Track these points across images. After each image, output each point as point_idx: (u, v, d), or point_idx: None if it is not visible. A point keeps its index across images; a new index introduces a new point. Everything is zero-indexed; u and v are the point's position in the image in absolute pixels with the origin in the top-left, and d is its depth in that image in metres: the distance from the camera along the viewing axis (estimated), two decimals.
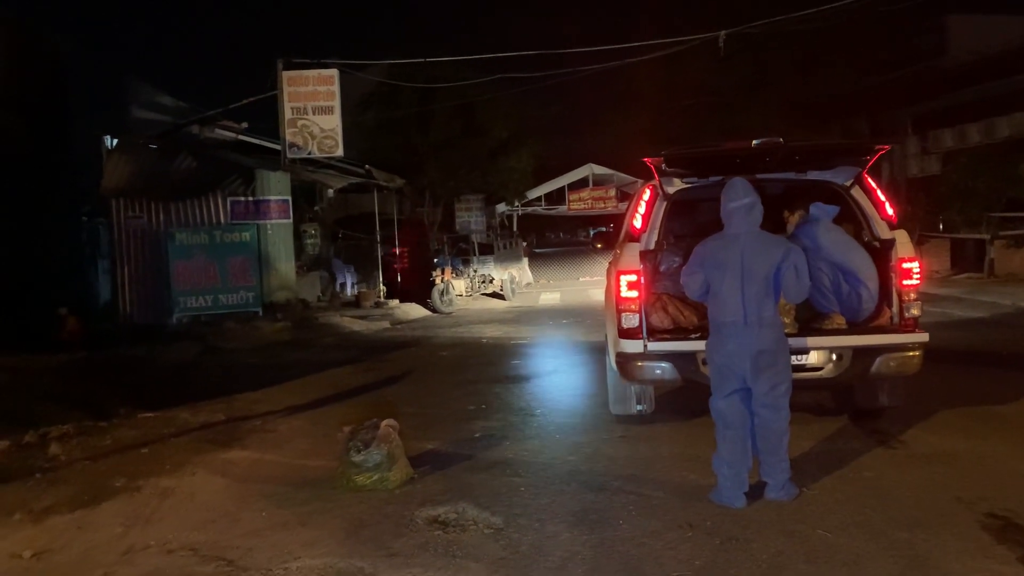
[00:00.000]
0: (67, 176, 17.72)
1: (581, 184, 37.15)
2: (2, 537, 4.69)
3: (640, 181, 7.44)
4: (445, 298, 19.38)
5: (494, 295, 23.07)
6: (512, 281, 23.82)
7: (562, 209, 38.55)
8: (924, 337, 5.80)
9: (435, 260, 21.64)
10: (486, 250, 24.72)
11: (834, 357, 5.78)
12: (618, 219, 8.18)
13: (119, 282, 15.97)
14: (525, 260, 29.12)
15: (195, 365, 11.17)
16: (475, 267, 23.18)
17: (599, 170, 36.62)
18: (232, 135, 18.37)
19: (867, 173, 6.17)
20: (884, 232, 6.06)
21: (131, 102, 17.91)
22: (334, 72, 16.32)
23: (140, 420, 7.61)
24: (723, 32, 15.13)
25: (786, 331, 5.23)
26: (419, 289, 20.14)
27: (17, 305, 14.21)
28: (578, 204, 37.27)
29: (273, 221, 16.28)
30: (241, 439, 6.88)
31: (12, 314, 13.87)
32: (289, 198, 16.57)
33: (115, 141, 17.45)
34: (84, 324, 14.15)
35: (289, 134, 16.20)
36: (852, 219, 6.20)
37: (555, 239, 69.96)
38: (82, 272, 18.53)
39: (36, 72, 16.59)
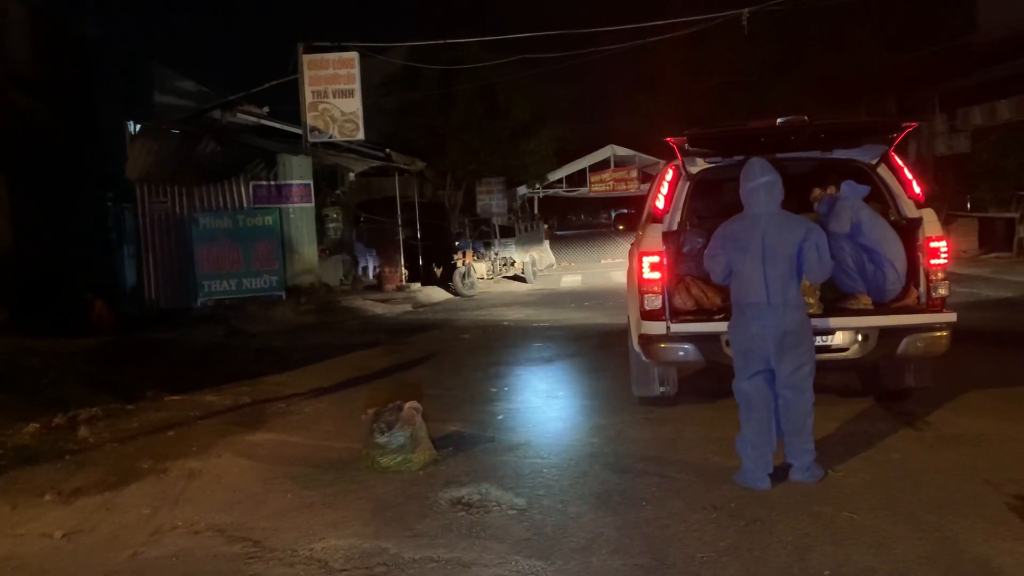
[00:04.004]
0: (92, 162, 17.88)
1: (603, 166, 37.00)
2: (33, 517, 4.77)
3: (662, 162, 7.37)
4: (467, 281, 19.39)
5: (515, 278, 23.07)
6: (533, 264, 23.81)
7: (583, 191, 38.46)
8: (952, 317, 5.72)
9: (456, 243, 21.66)
10: (507, 233, 24.70)
11: (860, 338, 5.72)
12: (640, 201, 8.12)
13: (144, 266, 16.11)
14: (546, 243, 29.10)
15: (220, 348, 11.26)
16: (496, 250, 23.18)
17: (621, 151, 36.43)
18: (254, 119, 18.46)
19: (894, 151, 6.08)
20: (911, 211, 5.97)
21: (154, 87, 18.03)
22: (354, 55, 16.31)
23: (167, 403, 7.69)
24: (747, 10, 14.95)
25: (811, 312, 5.18)
26: (440, 271, 20.17)
27: (45, 290, 14.39)
28: (600, 186, 37.16)
29: (295, 205, 16.33)
30: (266, 421, 6.93)
31: (40, 298, 14.06)
32: (311, 182, 16.61)
33: (138, 127, 17.59)
34: (110, 308, 14.32)
35: (310, 118, 16.23)
36: (878, 198, 6.12)
37: (576, 221, 69.75)
38: (108, 257, 18.72)
39: (61, 59, 16.72)
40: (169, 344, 11.42)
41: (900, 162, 6.12)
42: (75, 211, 16.75)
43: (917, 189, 6.02)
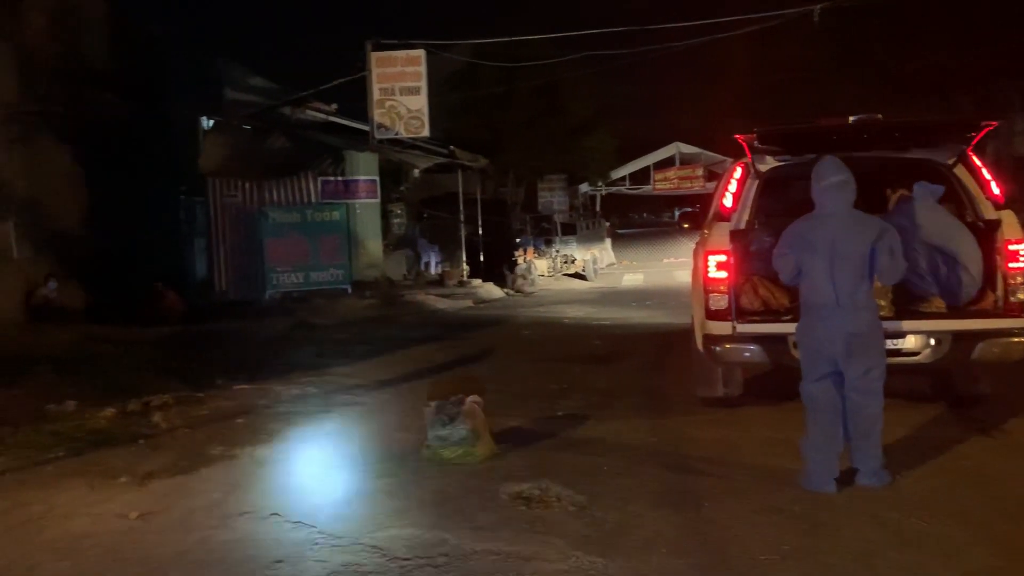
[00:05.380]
0: (165, 156, 18.39)
1: (667, 163, 36.72)
2: (109, 498, 4.95)
3: (729, 159, 7.28)
4: (527, 278, 19.43)
5: (576, 276, 23.03)
6: (594, 262, 23.75)
7: (647, 189, 38.18)
8: None
9: (517, 240, 21.72)
10: (568, 230, 24.67)
11: (932, 342, 5.57)
12: (705, 199, 8.05)
13: (215, 258, 16.53)
14: (608, 240, 28.97)
15: (287, 339, 11.48)
16: (557, 247, 23.18)
17: (686, 149, 36.09)
18: (322, 116, 18.78)
19: (972, 150, 5.90)
20: (989, 212, 5.80)
21: (225, 84, 18.44)
22: (421, 53, 16.47)
23: (236, 391, 7.88)
24: (818, 7, 14.64)
25: (882, 314, 5.07)
26: (502, 269, 20.25)
27: (118, 280, 14.86)
28: (663, 183, 36.87)
29: (361, 200, 16.57)
30: (331, 411, 7.06)
31: (114, 288, 14.52)
32: (377, 178, 16.84)
33: (211, 122, 18.05)
34: (181, 299, 14.74)
35: (377, 115, 16.44)
36: (955, 199, 5.95)
37: (638, 219, 69.25)
38: (179, 249, 19.25)
39: (137, 55, 17.24)
40: (238, 334, 11.69)
41: (978, 162, 5.95)
42: (149, 204, 17.25)
43: (996, 190, 5.83)
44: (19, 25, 13.92)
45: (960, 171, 5.94)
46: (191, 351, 9.94)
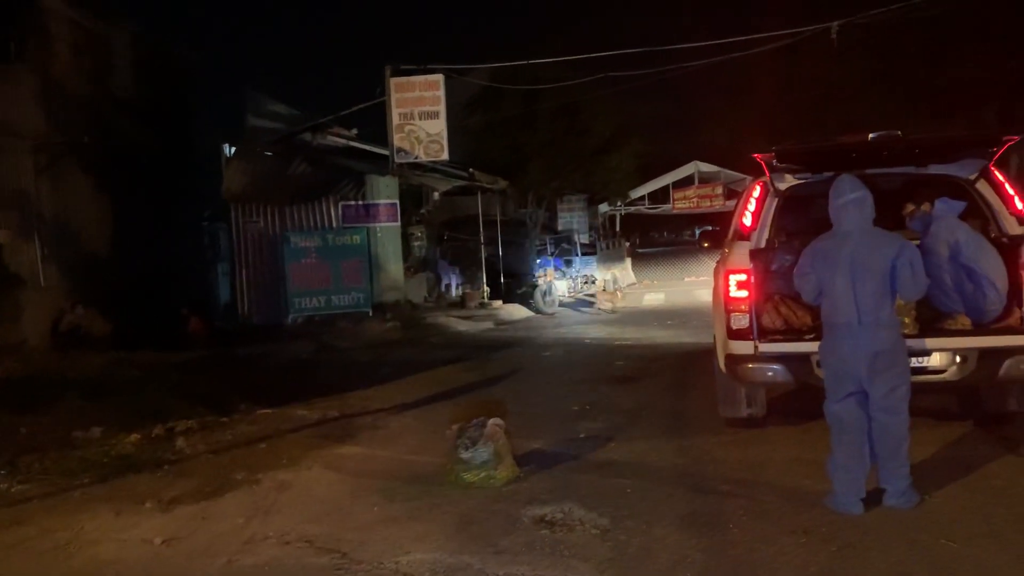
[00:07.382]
0: (189, 182, 18.64)
1: (686, 182, 36.58)
2: (135, 524, 4.99)
3: (749, 178, 7.27)
4: (547, 299, 19.42)
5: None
6: (615, 282, 23.67)
7: (666, 208, 38.04)
8: None
9: (538, 261, 21.73)
10: (588, 250, 24.65)
11: (958, 359, 5.49)
12: (725, 218, 8.04)
13: (238, 284, 16.67)
14: (628, 260, 28.91)
15: (310, 363, 11.55)
16: (577, 268, 23.14)
17: (705, 167, 35.97)
18: (343, 141, 18.95)
19: (994, 166, 5.85)
20: (1013, 228, 5.73)
21: (248, 111, 18.68)
22: (439, 77, 16.57)
23: (259, 416, 7.92)
24: (836, 23, 14.58)
25: (906, 332, 5.02)
26: (522, 289, 20.24)
27: (144, 305, 15.01)
28: (683, 203, 36.69)
29: (382, 224, 16.66)
30: (354, 435, 7.08)
31: (139, 313, 14.67)
32: (397, 202, 16.94)
33: (233, 149, 18.29)
34: (205, 323, 14.86)
35: (397, 139, 16.54)
36: (978, 214, 5.90)
37: (659, 239, 68.97)
38: (203, 274, 19.45)
39: (162, 83, 17.52)
40: (261, 359, 11.77)
41: (1001, 177, 5.89)
42: (173, 229, 17.47)
43: (1020, 205, 5.78)
44: (46, 56, 14.19)
45: (982, 186, 5.89)
46: (215, 376, 10.01)
